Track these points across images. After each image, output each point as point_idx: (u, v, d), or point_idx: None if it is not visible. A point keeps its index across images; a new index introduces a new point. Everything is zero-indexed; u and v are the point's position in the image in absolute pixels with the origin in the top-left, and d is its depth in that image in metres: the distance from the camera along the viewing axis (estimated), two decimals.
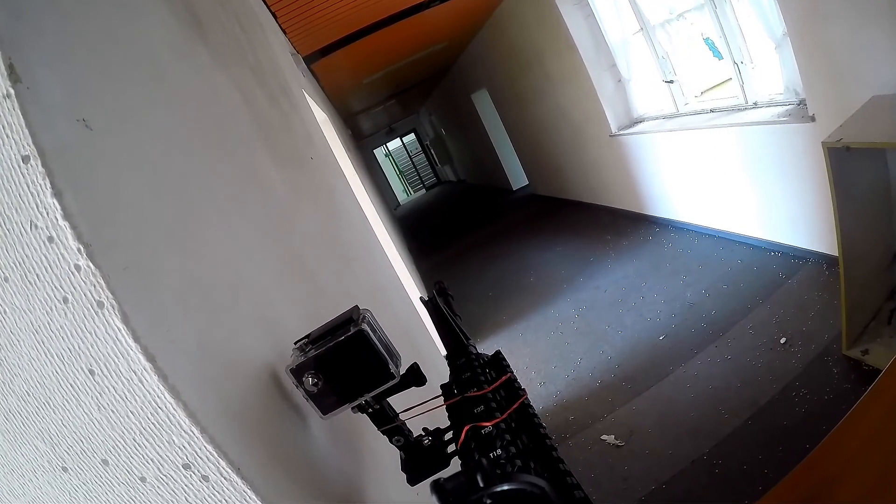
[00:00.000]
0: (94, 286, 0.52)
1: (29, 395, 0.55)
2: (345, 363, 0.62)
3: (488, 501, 0.51)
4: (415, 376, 0.67)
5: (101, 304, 0.52)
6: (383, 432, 0.69)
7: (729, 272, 4.29)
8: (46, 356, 0.54)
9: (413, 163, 22.62)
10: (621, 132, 5.64)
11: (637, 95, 5.49)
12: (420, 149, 22.06)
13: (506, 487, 0.52)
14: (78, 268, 0.51)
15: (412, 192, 23.04)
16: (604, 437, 3.23)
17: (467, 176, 17.12)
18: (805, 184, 3.47)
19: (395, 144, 22.05)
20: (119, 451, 0.58)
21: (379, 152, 21.30)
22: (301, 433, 0.78)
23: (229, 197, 0.96)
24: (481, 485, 0.50)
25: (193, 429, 0.57)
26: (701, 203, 4.89)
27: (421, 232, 13.32)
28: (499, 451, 0.58)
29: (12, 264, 0.52)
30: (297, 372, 0.62)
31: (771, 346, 3.25)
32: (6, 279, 0.52)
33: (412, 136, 21.58)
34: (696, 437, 2.88)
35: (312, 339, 0.65)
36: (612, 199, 6.79)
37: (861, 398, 1.59)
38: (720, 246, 4.70)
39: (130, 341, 0.53)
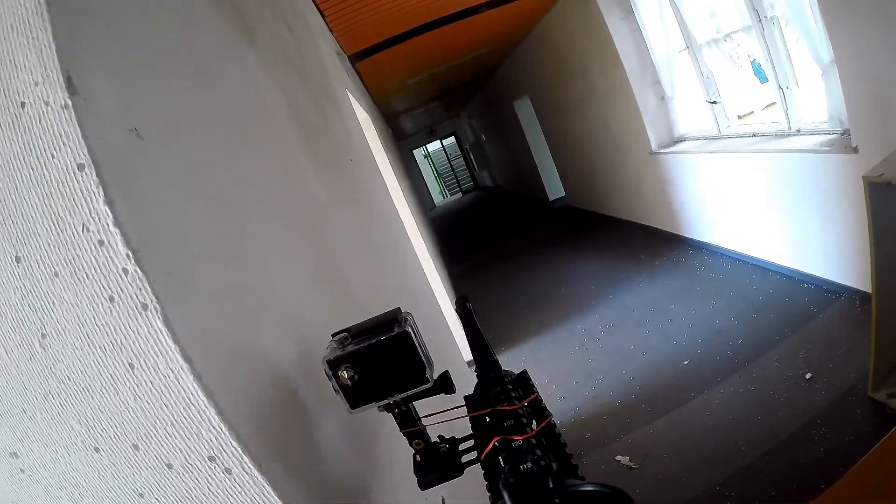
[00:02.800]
0: (140, 289, 0.55)
1: (69, 380, 0.58)
2: (383, 362, 0.63)
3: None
4: (445, 384, 0.68)
5: (145, 307, 0.55)
6: (405, 434, 0.70)
7: (760, 301, 4.20)
8: (90, 347, 0.57)
9: (451, 165, 22.65)
10: (661, 150, 5.57)
11: (679, 114, 5.42)
12: (459, 152, 22.08)
13: (589, 488, 0.54)
14: (126, 271, 0.54)
15: (448, 195, 23.07)
16: (619, 457, 3.20)
17: (504, 182, 17.09)
18: (843, 216, 3.39)
19: (434, 146, 22.11)
20: (150, 438, 0.61)
21: (418, 153, 21.41)
22: (319, 435, 0.81)
23: (267, 201, 1.00)
24: (550, 485, 0.52)
25: (222, 425, 0.59)
26: (736, 228, 4.80)
27: (454, 235, 13.35)
28: (529, 465, 0.58)
29: (63, 261, 0.55)
30: (334, 364, 0.63)
31: (796, 381, 3.17)
32: (56, 274, 0.55)
33: (452, 138, 21.61)
34: (711, 466, 2.83)
35: (354, 334, 0.66)
36: (647, 217, 6.71)
37: (878, 444, 1.55)
38: (753, 273, 4.61)
39: (170, 342, 0.56)
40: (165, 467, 0.62)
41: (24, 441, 0.61)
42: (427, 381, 0.64)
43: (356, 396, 0.64)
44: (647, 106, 5.60)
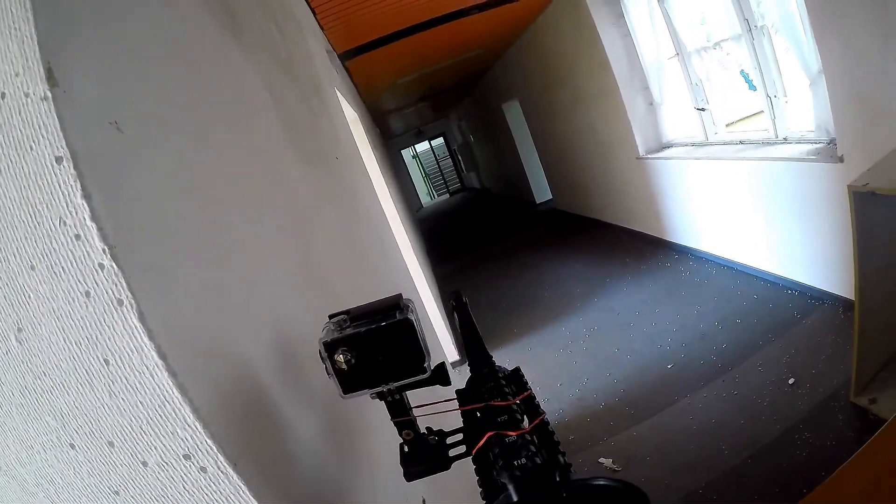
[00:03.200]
0: (116, 285, 0.54)
1: (45, 375, 0.58)
2: (382, 348, 0.61)
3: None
4: (441, 376, 0.67)
5: (120, 302, 0.55)
6: (396, 423, 0.69)
7: (744, 306, 4.24)
8: (65, 342, 0.56)
9: (439, 166, 22.66)
10: (649, 155, 5.61)
11: (667, 120, 5.46)
12: (447, 153, 22.10)
13: (600, 482, 0.53)
14: (101, 266, 0.54)
15: (436, 196, 23.09)
16: (601, 460, 3.21)
17: (491, 185, 17.13)
18: (828, 225, 3.43)
19: (423, 147, 22.11)
20: (125, 435, 0.60)
21: (407, 153, 21.40)
22: (296, 433, 0.80)
23: (251, 198, 0.99)
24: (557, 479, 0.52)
25: (197, 423, 0.59)
26: (722, 234, 4.84)
27: (441, 236, 13.34)
28: (523, 461, 0.58)
29: (40, 255, 0.54)
30: (331, 346, 0.61)
31: (779, 386, 3.20)
32: (33, 268, 0.55)
33: (441, 139, 21.63)
34: (694, 470, 2.85)
35: (353, 317, 0.64)
36: (633, 221, 6.75)
37: (861, 448, 1.56)
38: (737, 279, 4.65)
39: (145, 339, 0.56)
40: (140, 465, 0.62)
41: (1, 438, 0.61)
42: (425, 371, 0.62)
43: (350, 381, 0.62)
44: (635, 111, 5.63)
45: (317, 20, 3.83)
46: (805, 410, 2.91)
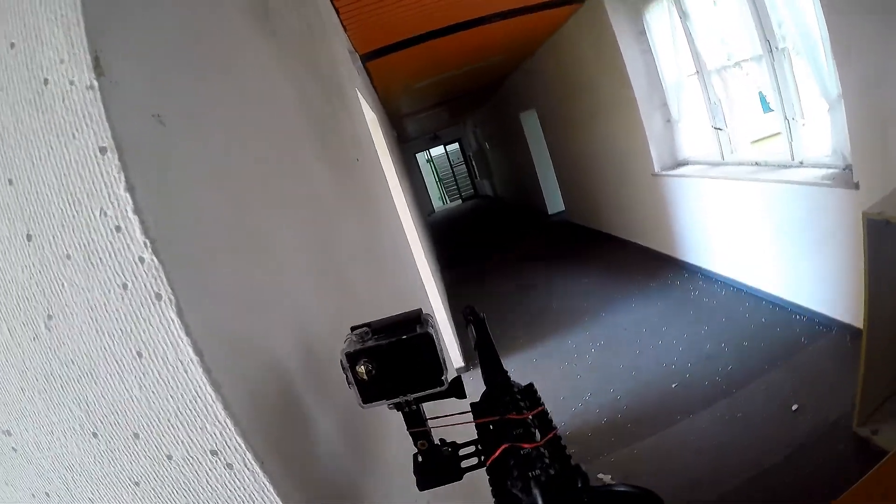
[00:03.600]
0: (155, 279, 0.54)
1: (73, 364, 0.57)
2: (402, 360, 0.63)
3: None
4: (458, 388, 0.69)
5: (159, 296, 0.55)
6: (412, 434, 0.70)
7: (751, 329, 4.22)
8: (97, 333, 0.56)
9: (453, 172, 22.70)
10: (664, 172, 5.60)
11: (684, 138, 5.45)
12: (462, 159, 22.13)
13: (620, 489, 0.54)
14: (142, 259, 0.54)
15: (448, 201, 23.11)
16: (600, 475, 3.20)
17: (505, 192, 17.13)
18: (840, 251, 3.41)
19: (437, 151, 22.15)
20: (151, 428, 0.60)
21: (421, 157, 21.45)
22: (318, 434, 0.82)
23: (278, 196, 1.00)
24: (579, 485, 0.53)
25: (227, 420, 0.59)
26: (733, 255, 4.82)
27: (451, 242, 13.35)
28: (538, 472, 0.58)
29: (77, 244, 0.54)
30: (353, 357, 0.63)
31: (782, 411, 3.18)
32: (68, 257, 0.54)
33: (456, 145, 21.67)
34: (692, 492, 2.83)
35: (375, 329, 0.66)
36: (646, 237, 6.74)
37: (861, 479, 1.56)
38: (746, 301, 4.63)
39: (182, 334, 0.56)
40: (165, 458, 0.62)
41: (19, 420, 0.61)
42: (443, 384, 0.64)
43: (370, 391, 0.64)
44: (652, 127, 5.63)
45: (340, 20, 3.86)
46: (807, 437, 2.89)
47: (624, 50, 5.38)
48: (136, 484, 0.63)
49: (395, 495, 1.04)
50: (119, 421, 0.60)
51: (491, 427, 0.72)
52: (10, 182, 0.54)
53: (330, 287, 1.18)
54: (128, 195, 0.53)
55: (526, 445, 0.64)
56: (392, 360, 0.63)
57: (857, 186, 3.08)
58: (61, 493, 0.64)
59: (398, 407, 0.68)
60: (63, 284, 0.56)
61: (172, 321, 0.56)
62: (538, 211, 12.12)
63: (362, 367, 0.62)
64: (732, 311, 4.59)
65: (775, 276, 4.34)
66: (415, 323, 0.65)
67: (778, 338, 3.96)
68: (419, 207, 9.66)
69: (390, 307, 1.59)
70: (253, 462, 0.62)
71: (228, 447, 0.61)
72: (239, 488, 0.63)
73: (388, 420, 0.84)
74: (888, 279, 2.46)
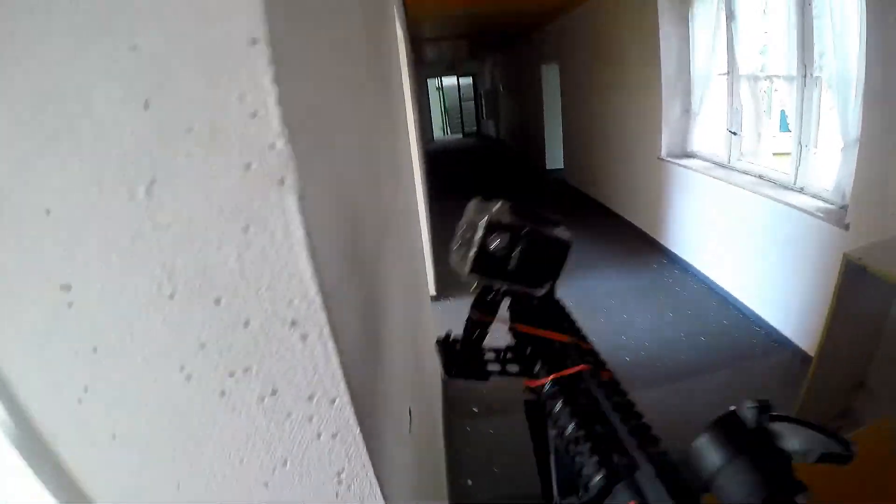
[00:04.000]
0: (283, 165, 0.57)
1: (168, 228, 0.58)
2: (534, 253, 0.60)
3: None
4: (549, 301, 0.67)
5: (282, 181, 0.58)
6: (476, 321, 0.67)
7: (712, 327, 4.43)
8: (204, 204, 0.58)
9: (461, 106, 22.31)
10: (670, 159, 5.70)
11: (698, 132, 5.52)
12: (472, 95, 21.72)
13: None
14: (273, 146, 0.56)
15: (449, 133, 22.81)
16: None
17: (507, 138, 17.02)
18: (813, 280, 3.58)
19: (449, 82, 21.68)
20: (237, 295, 0.63)
21: (432, 83, 21.01)
22: (367, 312, 0.89)
23: (364, 105, 1.07)
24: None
25: (317, 297, 0.63)
26: (715, 255, 5.01)
27: (443, 174, 13.32)
28: (621, 399, 0.58)
29: (203, 120, 0.55)
30: (494, 227, 0.59)
31: (720, 409, 3.35)
32: (190, 130, 0.55)
33: (470, 80, 21.21)
34: None
35: (516, 211, 0.61)
36: (636, 216, 6.89)
37: None
38: (715, 300, 4.85)
39: (297, 217, 0.59)
40: (241, 324, 0.64)
41: (84, 276, 0.60)
42: (541, 290, 0.64)
43: (483, 264, 0.60)
44: (669, 113, 5.68)
45: None
46: None
47: (662, 31, 5.35)
48: (202, 346, 0.66)
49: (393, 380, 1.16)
50: (203, 286, 0.61)
51: (530, 345, 0.67)
52: (135, 48, 0.52)
53: (377, 194, 1.26)
54: (273, 86, 0.54)
55: (605, 373, 0.63)
56: (527, 247, 0.59)
57: (846, 227, 3.20)
58: (113, 350, 0.65)
59: (486, 290, 0.66)
60: (178, 154, 0.56)
61: (290, 205, 0.58)
62: (536, 163, 12.13)
63: (497, 239, 0.59)
64: (699, 306, 4.79)
65: (748, 285, 4.53)
66: (555, 226, 0.63)
67: (734, 342, 4.17)
68: (421, 133, 9.57)
69: (400, 220, 1.68)
70: (328, 335, 0.66)
71: (309, 321, 0.65)
72: (307, 358, 0.67)
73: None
74: (849, 319, 2.62)
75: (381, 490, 0.85)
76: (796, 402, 2.86)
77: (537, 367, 0.65)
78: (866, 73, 2.86)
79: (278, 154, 0.57)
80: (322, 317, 0.65)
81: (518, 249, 0.59)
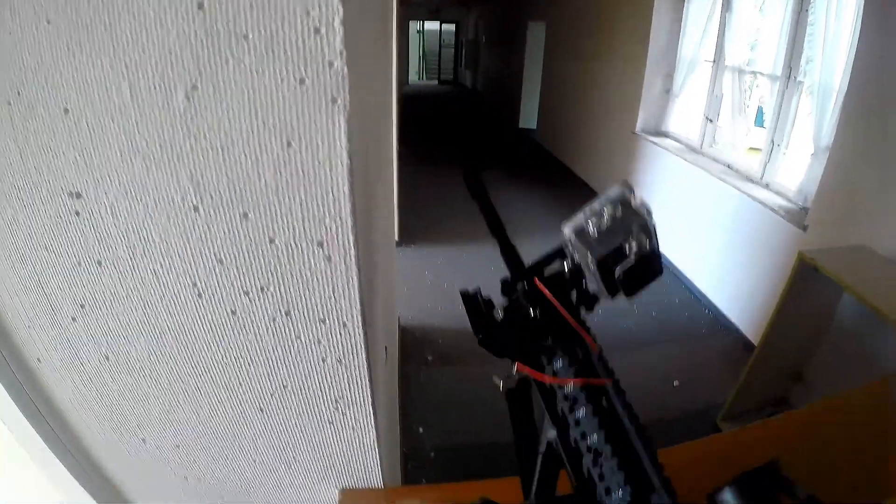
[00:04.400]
0: (338, 85, 0.57)
1: (204, 137, 0.58)
2: (636, 269, 0.53)
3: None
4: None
5: (334, 100, 0.57)
6: (537, 298, 0.59)
7: (664, 304, 4.62)
8: (248, 114, 0.57)
9: (440, 52, 21.86)
10: (644, 134, 5.82)
11: (675, 113, 5.64)
12: (453, 43, 21.28)
13: None
14: (331, 64, 0.55)
15: (424, 78, 22.38)
16: (494, 378, 3.55)
17: (483, 89, 16.85)
18: (767, 274, 3.74)
19: (431, 27, 21.16)
20: (266, 211, 0.62)
21: (413, 25, 20.48)
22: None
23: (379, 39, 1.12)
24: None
25: (349, 220, 0.63)
26: (674, 234, 5.15)
27: (413, 119, 13.14)
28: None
29: (260, 29, 0.52)
30: (648, 231, 0.52)
31: (663, 382, 3.56)
32: (246, 37, 0.52)
33: (452, 27, 20.76)
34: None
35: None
36: (602, 186, 6.96)
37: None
38: (669, 279, 5.03)
39: (343, 136, 0.59)
40: (267, 240, 0.64)
41: (99, 184, 0.57)
42: (613, 300, 0.57)
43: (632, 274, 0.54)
44: (650, 90, 5.77)
45: None
46: (677, 412, 3.29)
47: (656, 9, 5.38)
48: (220, 262, 0.64)
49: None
50: (233, 200, 0.61)
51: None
52: None
53: (377, 124, 1.32)
54: (340, 6, 0.52)
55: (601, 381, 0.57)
56: (639, 261, 0.53)
57: (804, 229, 3.35)
58: (120, 264, 0.63)
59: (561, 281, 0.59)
60: (227, 61, 0.53)
61: (338, 124, 0.58)
62: (509, 119, 12.09)
63: (634, 242, 0.52)
64: (654, 283, 4.97)
65: (702, 268, 4.72)
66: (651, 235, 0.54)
67: (683, 321, 4.38)
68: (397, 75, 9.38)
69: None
70: (352, 255, 0.66)
71: (336, 242, 0.64)
72: (331, 279, 0.67)
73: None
74: (794, 314, 2.81)
75: (375, 419, 0.85)
76: (735, 385, 3.06)
77: (559, 364, 0.59)
78: (849, 86, 2.96)
79: (335, 73, 0.56)
80: (350, 239, 0.64)
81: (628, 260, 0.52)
